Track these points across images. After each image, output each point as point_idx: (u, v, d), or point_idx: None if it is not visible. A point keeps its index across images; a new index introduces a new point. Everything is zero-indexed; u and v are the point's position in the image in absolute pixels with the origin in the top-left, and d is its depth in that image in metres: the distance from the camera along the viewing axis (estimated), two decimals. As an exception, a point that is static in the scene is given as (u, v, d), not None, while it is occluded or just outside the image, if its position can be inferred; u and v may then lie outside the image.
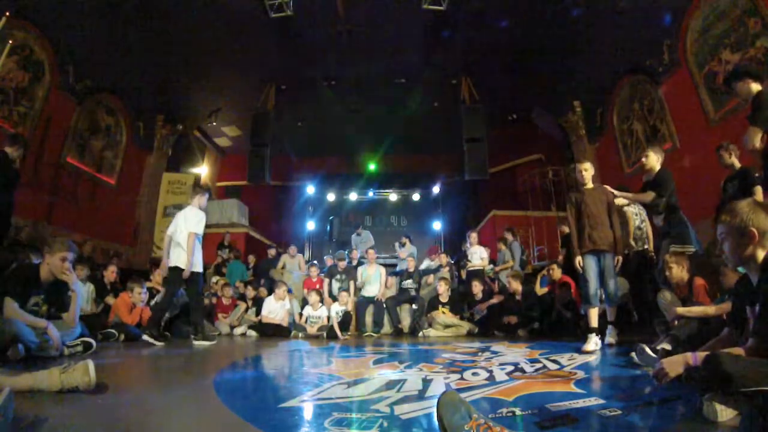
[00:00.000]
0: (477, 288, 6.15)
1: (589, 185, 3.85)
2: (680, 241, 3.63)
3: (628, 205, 4.66)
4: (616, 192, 3.81)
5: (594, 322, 3.56)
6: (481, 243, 7.06)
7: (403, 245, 7.87)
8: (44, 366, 1.78)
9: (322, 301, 5.92)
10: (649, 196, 3.71)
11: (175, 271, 4.32)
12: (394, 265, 7.86)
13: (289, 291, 6.18)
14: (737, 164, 3.74)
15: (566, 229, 7.00)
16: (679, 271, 3.12)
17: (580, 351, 3.30)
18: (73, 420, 1.49)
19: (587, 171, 3.85)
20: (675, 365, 1.54)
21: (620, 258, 3.69)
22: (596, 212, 3.67)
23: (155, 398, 1.94)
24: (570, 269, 5.94)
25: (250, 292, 6.47)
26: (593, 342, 3.38)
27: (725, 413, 1.32)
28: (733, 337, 1.76)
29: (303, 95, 9.15)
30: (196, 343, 4.25)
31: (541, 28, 7.07)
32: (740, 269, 2.31)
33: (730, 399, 1.33)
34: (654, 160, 3.87)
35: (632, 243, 4.71)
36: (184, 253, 4.29)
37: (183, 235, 4.34)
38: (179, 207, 9.29)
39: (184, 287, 4.61)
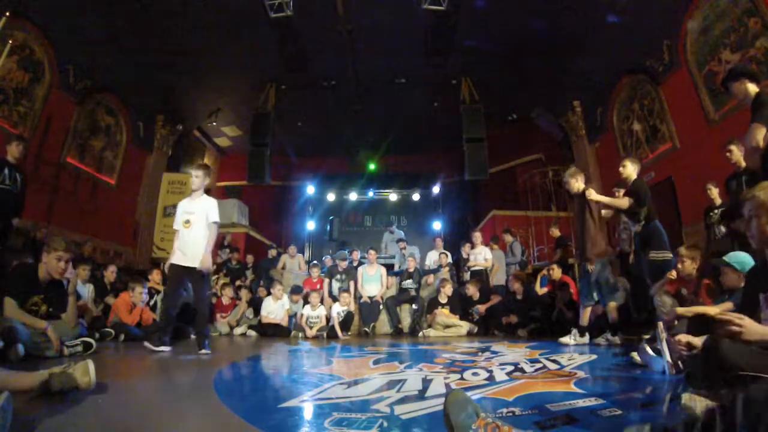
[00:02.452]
0: (471, 290, 6.14)
1: (579, 190, 4.08)
2: (658, 248, 3.82)
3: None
4: (593, 195, 3.95)
5: (611, 318, 4.07)
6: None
7: (402, 249, 7.92)
8: (44, 366, 1.78)
9: (321, 300, 5.92)
10: (626, 201, 3.93)
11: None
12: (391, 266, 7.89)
13: (299, 291, 6.11)
14: (743, 162, 3.74)
15: (557, 232, 7.14)
16: (691, 266, 3.14)
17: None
18: (73, 420, 1.49)
19: (569, 183, 4.12)
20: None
21: (590, 262, 3.93)
22: (578, 222, 4.07)
23: (155, 398, 1.94)
24: (566, 270, 6.05)
25: (245, 295, 6.39)
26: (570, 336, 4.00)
27: (703, 404, 1.32)
28: None
29: (303, 95, 9.14)
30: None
31: (541, 28, 7.07)
32: (741, 268, 2.31)
33: (709, 393, 1.33)
34: (631, 169, 4.07)
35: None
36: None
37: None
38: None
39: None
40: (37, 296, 2.94)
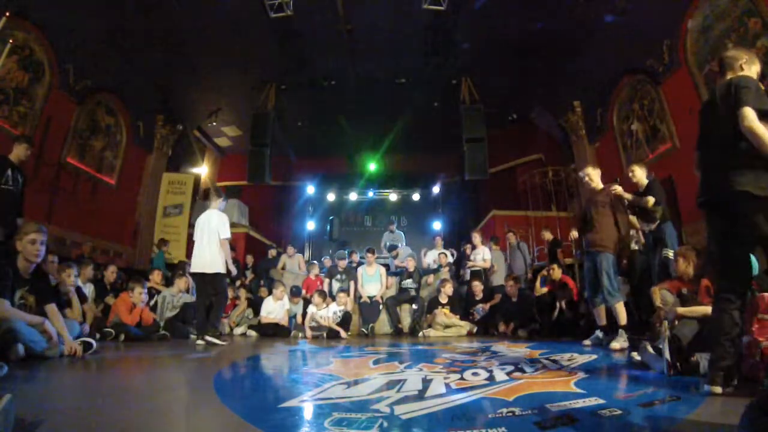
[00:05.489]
0: (477, 288, 6.17)
1: (598, 187, 4.08)
2: (671, 247, 3.91)
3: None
4: (619, 190, 3.94)
5: (600, 320, 3.89)
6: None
7: (394, 258, 7.96)
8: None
9: (332, 299, 5.93)
10: (650, 201, 3.95)
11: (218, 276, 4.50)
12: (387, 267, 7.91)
13: (298, 293, 6.11)
14: None
15: (549, 236, 7.18)
16: (684, 266, 3.16)
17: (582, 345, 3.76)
18: (73, 420, 1.49)
19: (591, 177, 4.11)
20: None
21: (617, 255, 3.86)
22: (595, 216, 3.91)
23: (155, 398, 1.94)
24: (565, 270, 6.05)
25: (243, 294, 6.40)
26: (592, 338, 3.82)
27: None
28: None
29: (303, 95, 9.13)
30: (209, 339, 4.24)
31: (541, 28, 7.07)
32: None
33: None
34: (640, 174, 4.17)
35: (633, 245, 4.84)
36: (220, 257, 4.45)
37: (215, 239, 4.46)
38: (179, 207, 9.37)
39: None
40: (23, 289, 2.84)
